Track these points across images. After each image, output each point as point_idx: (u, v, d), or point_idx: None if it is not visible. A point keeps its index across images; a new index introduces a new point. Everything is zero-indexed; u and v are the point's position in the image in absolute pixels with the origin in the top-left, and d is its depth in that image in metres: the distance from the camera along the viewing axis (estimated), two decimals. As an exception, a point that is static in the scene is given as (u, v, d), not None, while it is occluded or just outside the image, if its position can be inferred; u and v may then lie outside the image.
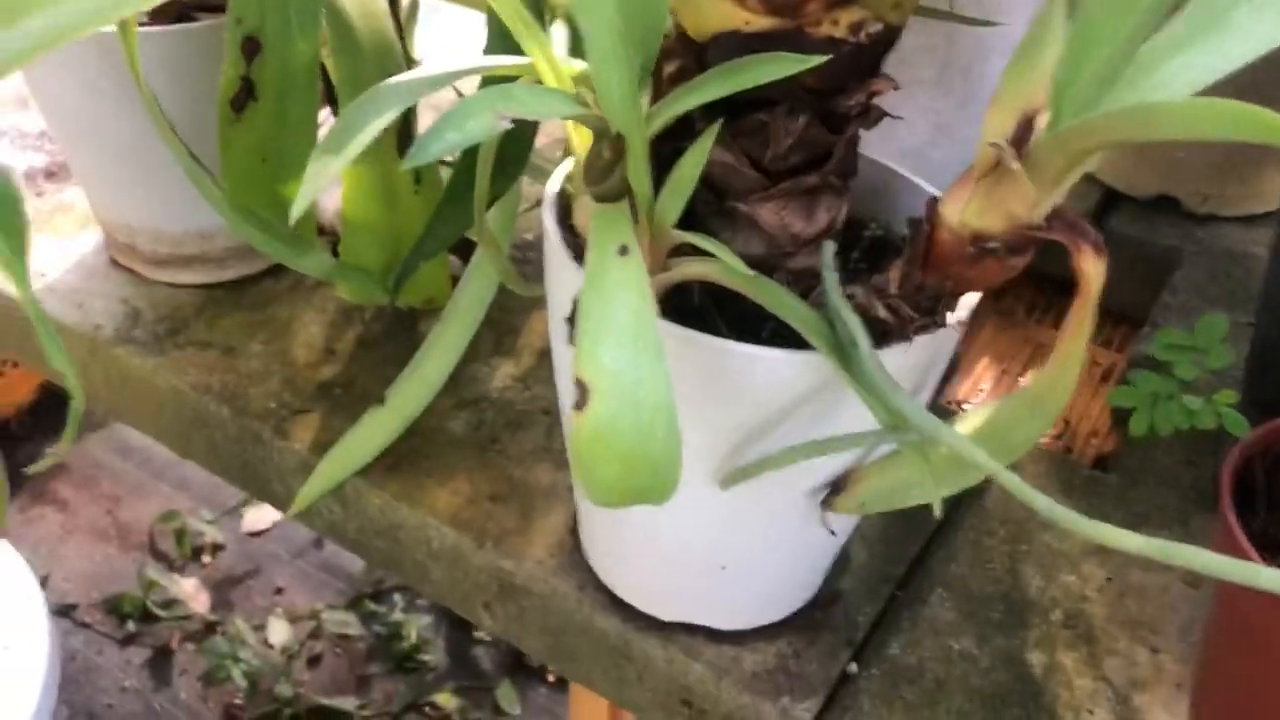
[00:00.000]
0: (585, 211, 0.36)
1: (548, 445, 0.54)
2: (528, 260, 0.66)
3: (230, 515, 1.54)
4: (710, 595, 0.44)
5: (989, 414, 0.35)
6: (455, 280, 0.59)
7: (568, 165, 0.41)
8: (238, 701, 1.32)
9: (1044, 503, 0.30)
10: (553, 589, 0.48)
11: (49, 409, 1.65)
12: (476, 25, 0.89)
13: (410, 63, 0.61)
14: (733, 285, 0.34)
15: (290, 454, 0.54)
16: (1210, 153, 0.70)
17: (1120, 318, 0.73)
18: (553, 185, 0.40)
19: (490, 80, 0.44)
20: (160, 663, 1.36)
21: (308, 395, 0.56)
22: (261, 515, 1.54)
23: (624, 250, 0.31)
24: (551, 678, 1.35)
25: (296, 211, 0.29)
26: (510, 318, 0.61)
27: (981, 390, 0.67)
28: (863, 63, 0.34)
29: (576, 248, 0.37)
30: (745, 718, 0.44)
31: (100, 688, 1.33)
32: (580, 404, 0.29)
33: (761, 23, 0.33)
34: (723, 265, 0.33)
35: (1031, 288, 0.76)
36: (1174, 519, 0.52)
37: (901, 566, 0.49)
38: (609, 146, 0.32)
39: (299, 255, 0.51)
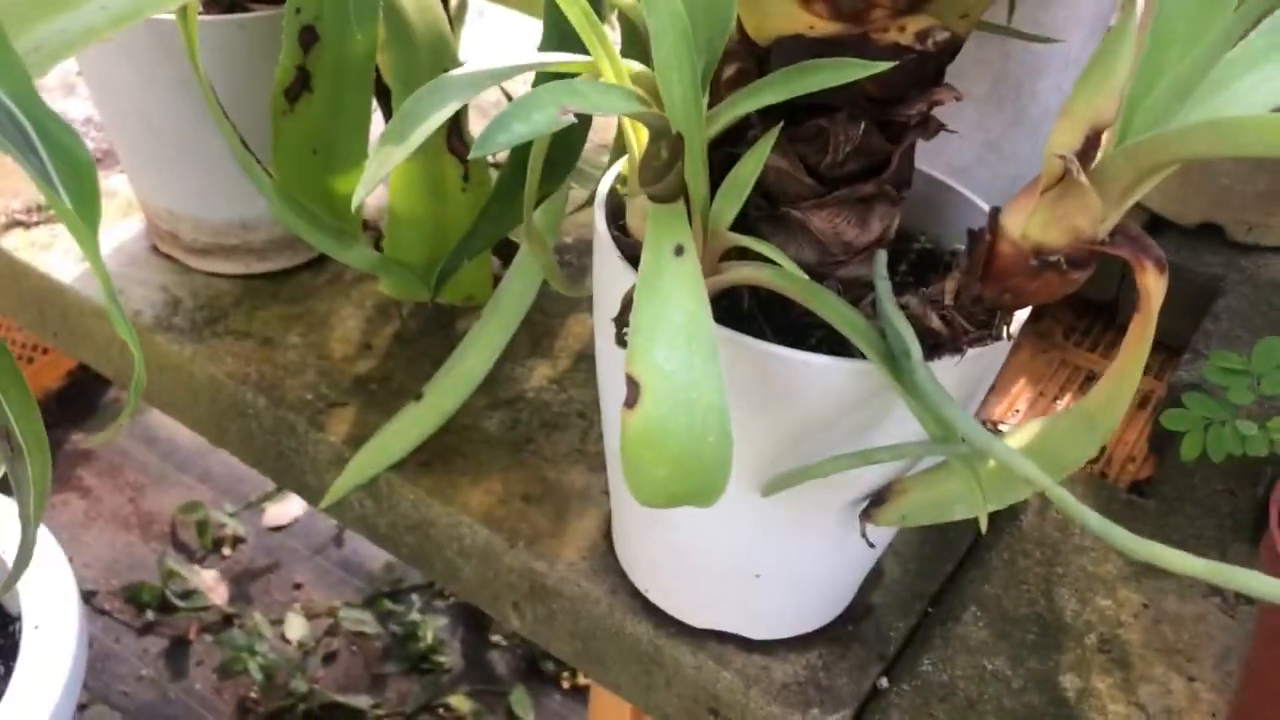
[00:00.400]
0: (639, 211, 0.35)
1: (582, 448, 0.54)
2: (566, 264, 0.66)
3: (252, 509, 1.54)
4: (743, 603, 0.44)
5: (1040, 429, 0.34)
6: (495, 280, 0.59)
7: (619, 166, 0.41)
8: (253, 695, 1.32)
9: (1096, 520, 0.29)
10: (584, 592, 0.47)
11: (76, 396, 1.66)
12: (521, 28, 0.89)
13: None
14: (784, 290, 0.34)
15: (325, 446, 0.54)
16: (1257, 181, 0.70)
17: (1159, 344, 0.72)
18: (604, 186, 0.40)
19: (547, 77, 0.44)
20: (177, 653, 1.36)
21: (344, 389, 0.56)
22: (283, 510, 1.54)
23: (680, 250, 0.31)
24: (566, 685, 1.35)
25: (357, 200, 0.29)
26: (548, 319, 0.61)
27: (1017, 411, 0.67)
28: (925, 72, 0.34)
29: (627, 248, 0.37)
30: (774, 729, 0.44)
31: (117, 675, 1.33)
32: (631, 402, 0.29)
33: (826, 27, 0.32)
34: (775, 270, 0.33)
35: (1070, 311, 0.75)
36: (1212, 546, 0.51)
37: (935, 584, 0.49)
38: (667, 146, 0.32)
39: (344, 248, 0.52)
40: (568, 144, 0.48)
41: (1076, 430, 0.34)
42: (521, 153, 0.48)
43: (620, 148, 0.52)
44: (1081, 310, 0.75)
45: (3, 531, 0.82)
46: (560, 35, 0.46)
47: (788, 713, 0.43)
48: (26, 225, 0.67)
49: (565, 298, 0.63)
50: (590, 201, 0.57)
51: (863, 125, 0.34)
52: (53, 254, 0.65)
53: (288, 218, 0.50)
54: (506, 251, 0.62)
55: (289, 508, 1.55)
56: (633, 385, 0.29)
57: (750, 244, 0.33)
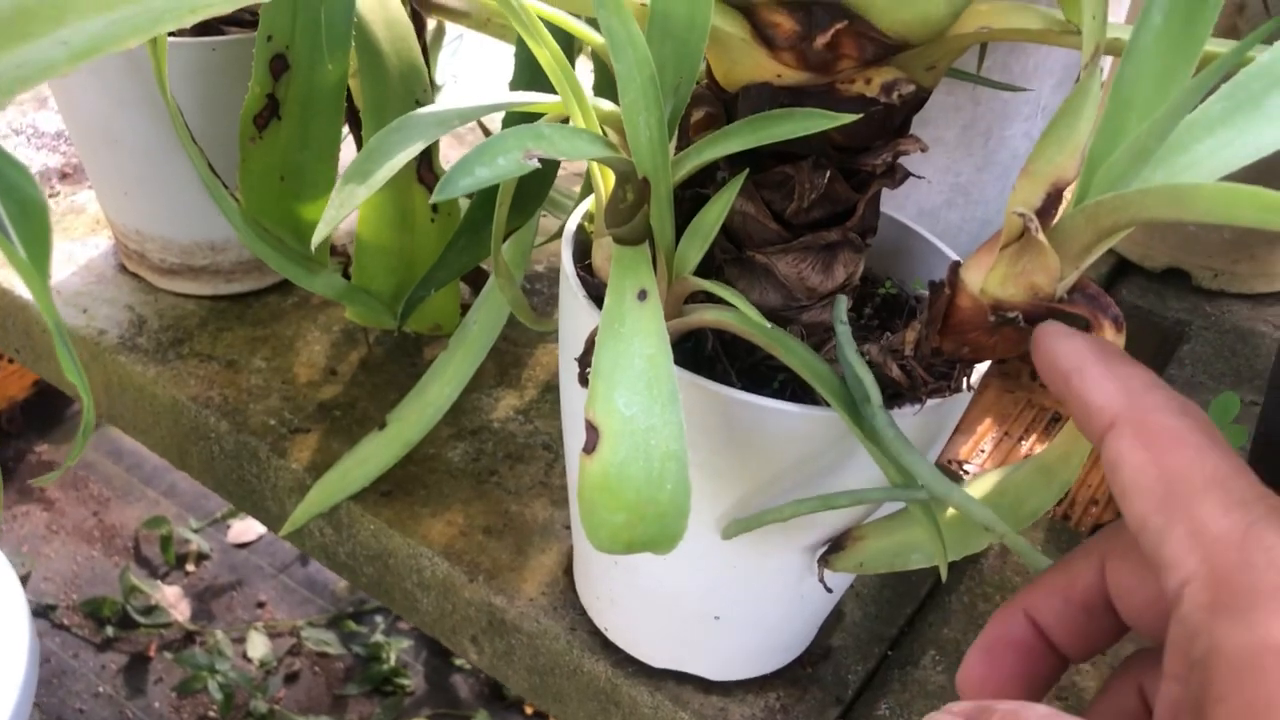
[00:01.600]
0: (604, 252, 0.35)
1: (546, 480, 0.54)
2: (536, 292, 0.66)
3: (216, 525, 1.53)
4: (702, 644, 0.44)
5: (999, 480, 0.35)
6: (463, 309, 0.59)
7: (586, 205, 0.41)
8: (211, 715, 1.30)
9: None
10: (543, 628, 0.47)
11: (42, 407, 1.65)
12: (499, 54, 0.89)
13: (433, 88, 0.61)
14: (746, 335, 0.34)
15: (286, 473, 0.54)
16: (1223, 229, 0.70)
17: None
18: (571, 223, 0.40)
19: (515, 116, 0.44)
20: (136, 670, 1.35)
21: (307, 414, 0.56)
22: (248, 527, 1.53)
23: (643, 295, 0.31)
24: (529, 710, 1.34)
25: (318, 238, 0.29)
26: (515, 349, 0.61)
27: (982, 451, 0.67)
28: (892, 121, 0.34)
29: (592, 287, 0.37)
30: (730, 771, 0.44)
31: (73, 691, 1.31)
32: (590, 447, 0.28)
33: (793, 76, 0.33)
34: (738, 314, 0.33)
35: (1037, 351, 0.75)
36: (1171, 595, 0.52)
37: (894, 627, 0.49)
38: (633, 189, 0.32)
39: (310, 275, 0.51)
40: (538, 178, 0.48)
41: (1035, 481, 0.34)
42: (492, 187, 0.48)
43: (590, 184, 0.52)
44: (1049, 350, 0.76)
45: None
46: (531, 73, 0.46)
47: (744, 755, 0.43)
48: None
49: (533, 331, 0.63)
50: (555, 236, 0.57)
51: (828, 174, 0.34)
52: (14, 271, 0.64)
53: (253, 244, 0.50)
54: (476, 280, 0.62)
55: (254, 525, 1.54)
56: (591, 430, 0.29)
57: (713, 288, 0.33)
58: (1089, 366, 0.27)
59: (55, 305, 0.61)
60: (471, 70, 0.83)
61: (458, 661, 1.38)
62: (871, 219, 0.37)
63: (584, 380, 0.36)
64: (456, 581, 0.49)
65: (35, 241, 0.21)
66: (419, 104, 0.50)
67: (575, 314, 0.37)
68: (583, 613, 0.47)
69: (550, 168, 0.50)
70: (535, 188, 0.48)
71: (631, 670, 0.45)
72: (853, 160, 0.35)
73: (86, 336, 0.60)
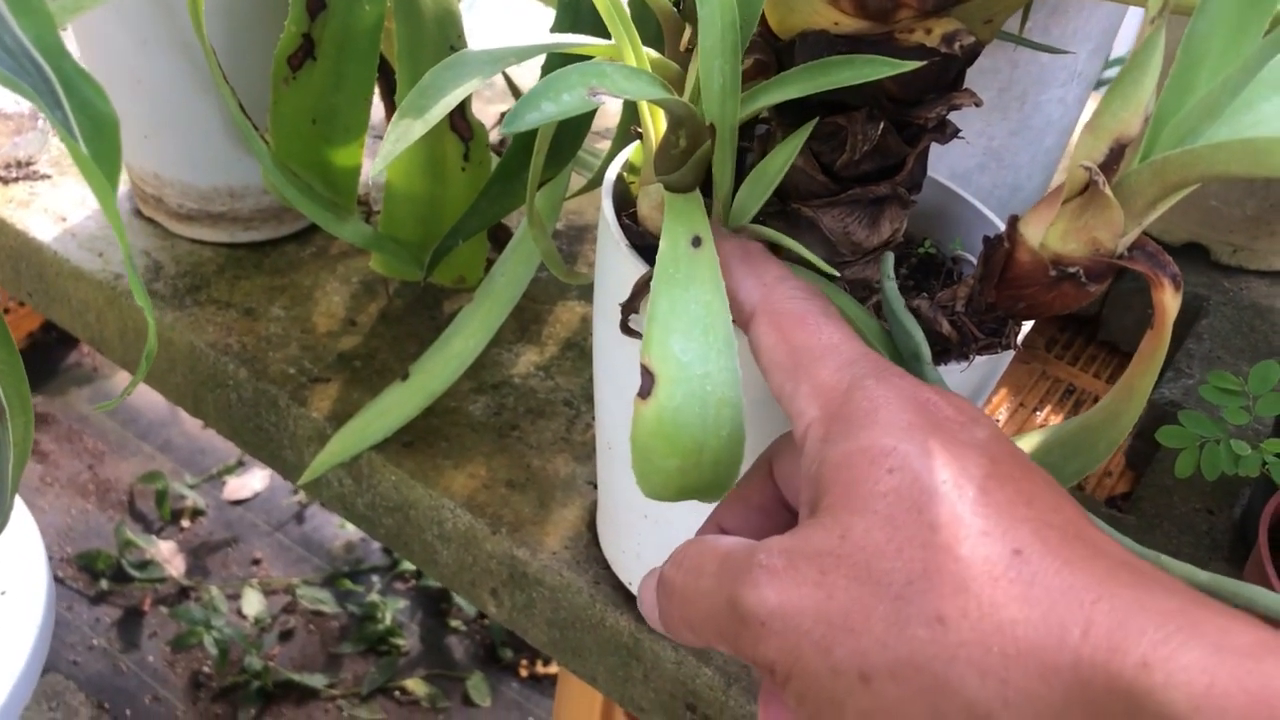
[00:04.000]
0: (651, 200, 0.35)
1: (568, 436, 0.53)
2: (557, 249, 0.65)
3: (212, 482, 1.53)
4: None
5: (1043, 439, 0.34)
6: (487, 263, 0.59)
7: (627, 153, 0.41)
8: (206, 669, 1.30)
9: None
10: (566, 582, 0.47)
11: (36, 359, 1.64)
12: (520, 9, 0.89)
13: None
14: None
15: (306, 422, 0.53)
16: (1245, 205, 0.70)
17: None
18: (611, 172, 0.39)
19: (559, 60, 0.44)
20: (130, 623, 1.34)
21: (327, 364, 0.56)
22: (244, 484, 1.53)
23: (697, 242, 0.30)
24: (524, 673, 1.34)
25: (376, 170, 0.28)
26: (536, 306, 0.61)
27: (997, 419, 0.67)
28: (946, 75, 0.34)
29: (635, 237, 0.36)
30: (752, 728, 0.44)
31: (68, 644, 1.31)
32: (645, 392, 0.28)
33: (851, 24, 0.32)
34: (793, 266, 0.33)
35: (1053, 323, 0.75)
36: (1191, 564, 0.52)
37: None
38: (686, 135, 0.32)
39: (338, 221, 0.51)
40: (574, 128, 0.47)
41: (1080, 443, 0.34)
42: (525, 135, 0.47)
43: (623, 136, 0.51)
44: (1064, 323, 0.76)
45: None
46: (573, 17, 0.45)
47: (767, 712, 0.43)
48: (5, 181, 0.66)
49: (555, 285, 0.62)
50: (585, 188, 0.56)
51: (881, 125, 0.34)
52: (30, 212, 0.64)
53: (282, 187, 0.49)
54: (500, 236, 0.61)
55: (250, 481, 1.53)
56: (647, 375, 0.28)
57: (775, 237, 0.32)
58: (734, 265, 0.31)
59: (70, 246, 0.60)
60: (493, 27, 0.82)
61: (453, 623, 1.39)
62: (919, 174, 0.37)
63: (626, 328, 0.35)
64: (479, 534, 0.49)
65: (106, 155, 0.21)
66: (453, 49, 0.50)
67: (616, 263, 0.37)
68: (606, 567, 0.47)
69: (587, 116, 0.49)
70: (571, 136, 0.47)
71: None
72: (906, 113, 0.34)
73: (103, 280, 0.59)
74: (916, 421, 0.26)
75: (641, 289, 0.34)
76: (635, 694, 0.47)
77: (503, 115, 0.71)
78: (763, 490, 0.32)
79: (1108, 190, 0.28)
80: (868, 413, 0.27)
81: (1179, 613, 0.22)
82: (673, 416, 0.28)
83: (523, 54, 0.32)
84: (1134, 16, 0.75)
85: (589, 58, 0.38)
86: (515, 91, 0.65)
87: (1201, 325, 0.68)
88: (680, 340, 0.29)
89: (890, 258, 0.36)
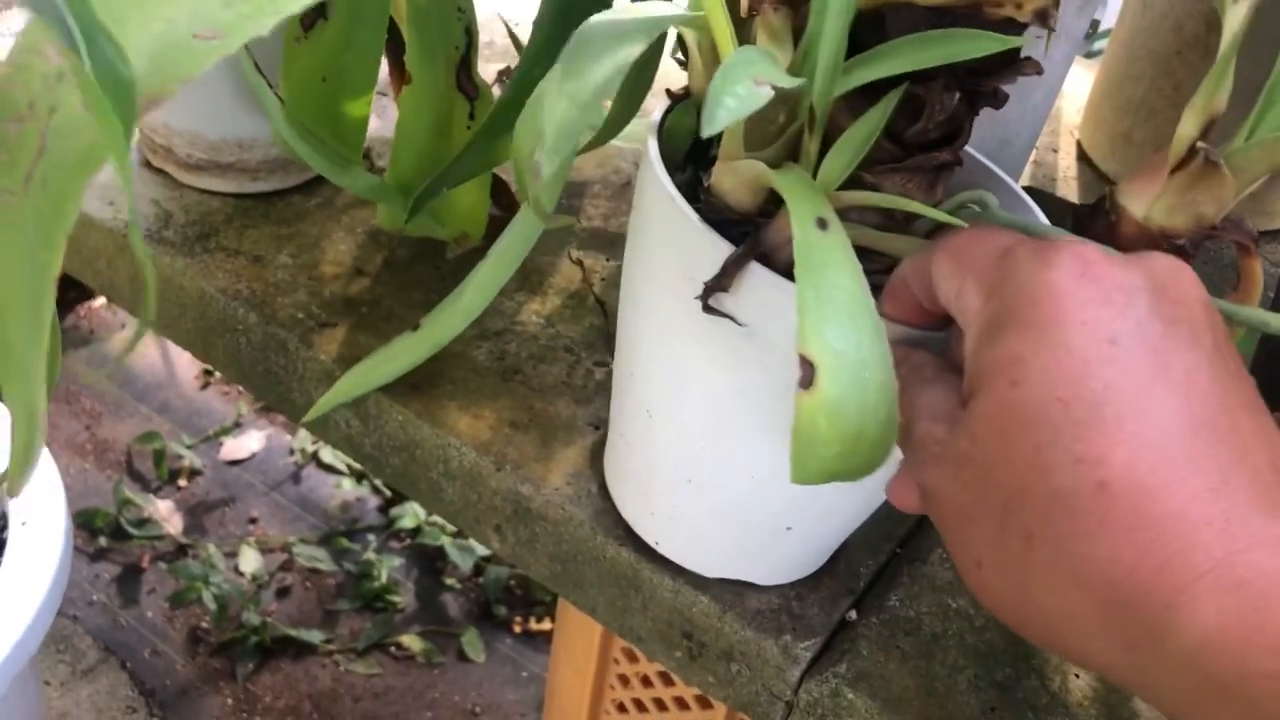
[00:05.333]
0: (738, 176, 0.35)
1: (568, 380, 0.55)
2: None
3: (209, 442, 1.54)
4: (764, 554, 0.45)
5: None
6: (489, 219, 0.60)
7: (655, 117, 0.40)
8: (204, 625, 1.32)
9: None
10: (568, 516, 0.49)
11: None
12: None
13: None
14: (896, 252, 0.35)
15: (315, 364, 0.55)
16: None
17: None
18: (652, 140, 0.39)
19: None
20: (129, 580, 1.36)
21: (334, 310, 0.57)
22: (240, 444, 1.54)
23: (823, 224, 0.30)
24: (518, 629, 1.37)
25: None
26: (534, 257, 0.62)
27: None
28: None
29: (713, 210, 0.36)
30: (746, 653, 0.46)
31: (68, 599, 1.33)
32: (806, 383, 0.29)
33: None
34: (886, 234, 0.34)
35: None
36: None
37: (904, 527, 0.51)
38: (785, 112, 0.32)
39: (345, 173, 0.52)
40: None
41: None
42: (515, 92, 0.49)
43: (630, 95, 0.52)
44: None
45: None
46: None
47: (760, 638, 0.45)
48: (15, 132, 0.67)
49: (554, 238, 0.64)
50: (585, 149, 0.57)
51: (957, 96, 0.34)
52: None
53: (292, 141, 0.50)
54: (501, 193, 0.63)
55: (246, 442, 1.55)
56: (807, 366, 0.29)
57: (878, 200, 0.33)
58: (917, 254, 0.33)
59: (125, 195, 0.61)
60: (491, -16, 0.83)
61: (448, 580, 1.41)
62: (967, 139, 0.37)
63: (708, 307, 0.36)
64: (484, 471, 0.51)
65: (121, 116, 0.22)
66: (460, 11, 0.51)
67: (684, 238, 0.36)
68: (606, 501, 0.49)
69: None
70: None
71: (652, 555, 0.47)
72: (978, 82, 0.35)
73: (113, 229, 0.61)
74: (1056, 315, 0.27)
75: (732, 268, 0.34)
76: (634, 623, 0.49)
77: (500, 72, 0.72)
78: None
79: (1225, 168, 0.30)
80: (1015, 309, 0.28)
81: (1223, 556, 0.25)
82: (836, 406, 0.29)
83: (650, 27, 0.32)
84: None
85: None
86: (517, 46, 0.67)
87: (1231, 287, 0.70)
88: (833, 329, 0.29)
89: (991, 196, 0.37)
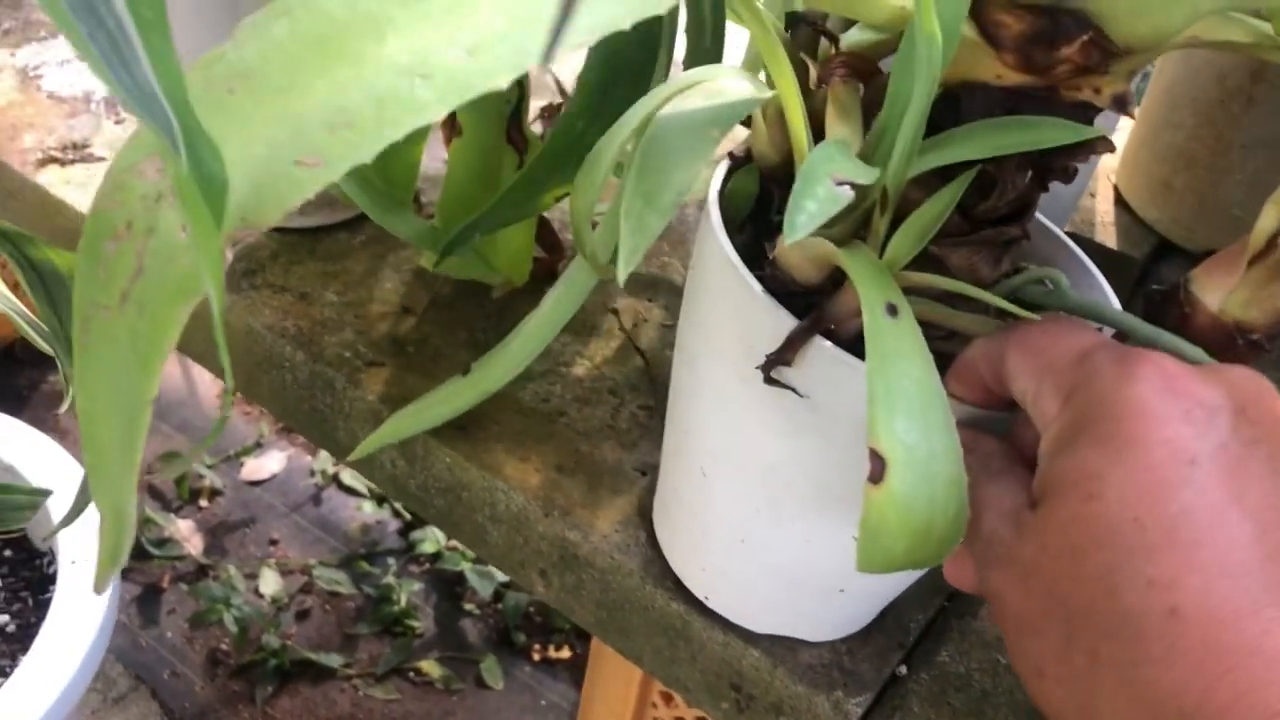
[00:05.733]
0: (806, 253, 0.34)
1: (613, 424, 0.55)
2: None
3: (230, 462, 1.54)
4: (816, 614, 0.44)
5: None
6: (534, 262, 0.60)
7: (718, 180, 0.40)
8: (224, 646, 1.32)
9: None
10: (616, 564, 0.49)
11: (58, 336, 1.65)
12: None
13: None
14: (964, 329, 0.35)
15: (361, 404, 0.55)
16: (1268, 214, 0.72)
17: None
18: (714, 202, 0.39)
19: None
20: (150, 600, 1.36)
21: (381, 349, 0.57)
22: (261, 465, 1.55)
23: (893, 310, 0.30)
24: (537, 657, 1.36)
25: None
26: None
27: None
28: (1087, 122, 0.34)
29: (776, 283, 0.36)
30: (796, 707, 0.46)
31: (89, 618, 1.33)
32: (876, 477, 0.29)
33: (1013, 78, 0.32)
34: (955, 311, 0.34)
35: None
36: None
37: (951, 579, 0.51)
38: (858, 192, 0.32)
39: (394, 217, 0.52)
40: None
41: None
42: (557, 144, 0.49)
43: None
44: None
45: (22, 457, 0.82)
46: (698, 40, 0.46)
47: (812, 693, 0.45)
48: (62, 163, 0.68)
49: (600, 281, 0.64)
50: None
51: (1029, 174, 0.34)
52: (87, 193, 0.65)
53: (344, 182, 0.51)
54: (546, 238, 0.63)
55: (267, 463, 1.55)
56: (876, 459, 0.29)
57: (941, 284, 0.33)
58: (985, 340, 0.33)
59: (213, 296, 0.62)
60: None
61: (467, 606, 1.40)
62: (1034, 211, 0.37)
63: (770, 379, 0.36)
64: (531, 515, 0.51)
65: (213, 212, 0.22)
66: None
67: (745, 308, 0.36)
68: (655, 550, 0.49)
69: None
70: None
71: (702, 608, 0.47)
72: (1051, 161, 0.35)
73: (160, 263, 0.61)
74: (1136, 431, 0.27)
75: (796, 342, 0.34)
76: (681, 674, 0.49)
77: (543, 110, 0.72)
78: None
79: None
80: (1093, 419, 0.28)
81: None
82: (905, 501, 0.29)
83: (722, 119, 0.32)
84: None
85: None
86: (562, 91, 0.67)
87: None
88: (903, 422, 0.29)
89: (1061, 276, 0.36)
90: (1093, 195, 0.80)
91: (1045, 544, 0.28)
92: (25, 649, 0.67)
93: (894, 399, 0.29)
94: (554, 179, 0.47)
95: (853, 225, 0.33)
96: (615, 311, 0.62)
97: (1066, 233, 0.42)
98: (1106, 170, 0.83)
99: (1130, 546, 0.26)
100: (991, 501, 0.31)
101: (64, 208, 0.65)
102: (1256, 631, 0.25)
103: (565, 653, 1.37)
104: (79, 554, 0.71)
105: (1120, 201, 0.80)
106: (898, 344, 0.30)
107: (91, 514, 0.83)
